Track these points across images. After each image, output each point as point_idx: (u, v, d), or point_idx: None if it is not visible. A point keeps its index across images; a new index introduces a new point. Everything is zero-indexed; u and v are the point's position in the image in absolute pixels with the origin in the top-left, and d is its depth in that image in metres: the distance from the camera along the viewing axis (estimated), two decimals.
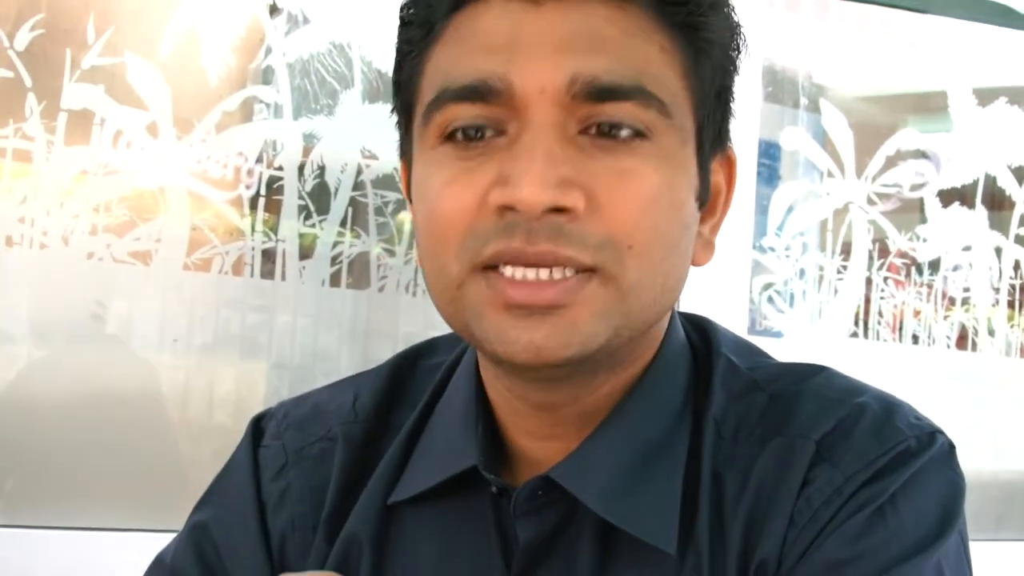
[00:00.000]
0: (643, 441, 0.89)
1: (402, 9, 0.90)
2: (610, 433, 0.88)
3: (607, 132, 0.82)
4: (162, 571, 0.98)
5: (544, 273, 0.81)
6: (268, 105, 1.86)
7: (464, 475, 0.90)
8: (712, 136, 0.89)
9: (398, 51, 0.91)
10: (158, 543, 1.06)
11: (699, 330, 0.96)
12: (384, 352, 1.89)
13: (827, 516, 0.83)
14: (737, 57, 0.91)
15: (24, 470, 1.71)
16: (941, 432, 0.89)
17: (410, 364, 1.02)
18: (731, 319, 1.06)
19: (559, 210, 0.80)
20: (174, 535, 1.06)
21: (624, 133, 0.82)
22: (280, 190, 1.86)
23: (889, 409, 0.89)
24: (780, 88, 2.28)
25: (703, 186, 0.89)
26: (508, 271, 0.81)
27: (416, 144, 0.88)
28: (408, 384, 1.00)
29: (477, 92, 0.82)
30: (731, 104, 0.92)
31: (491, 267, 0.82)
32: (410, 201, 0.91)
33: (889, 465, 0.85)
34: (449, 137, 0.84)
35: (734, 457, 0.88)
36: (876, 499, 0.83)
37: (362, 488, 0.95)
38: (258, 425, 1.02)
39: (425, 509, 0.92)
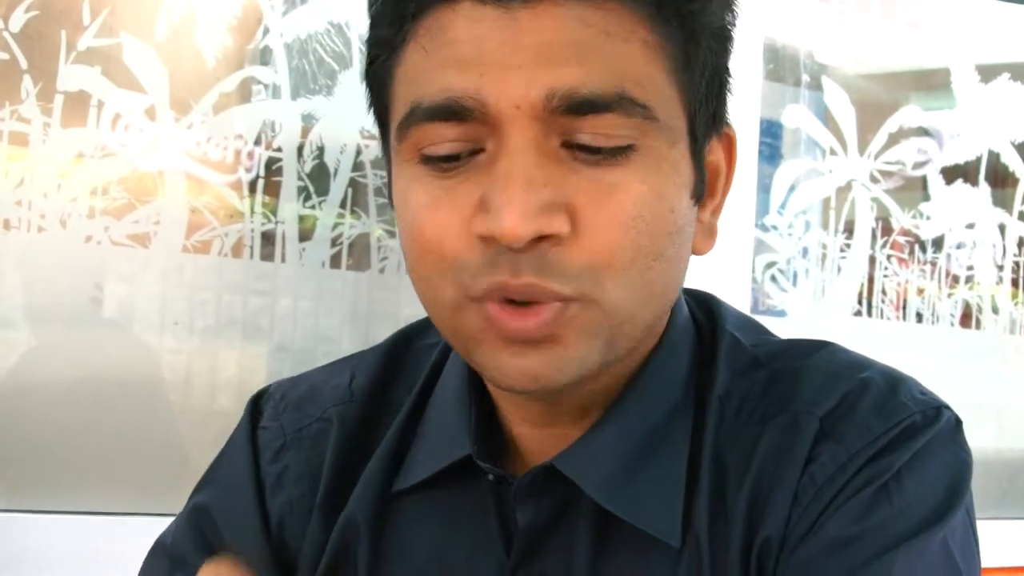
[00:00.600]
0: (646, 427, 0.88)
1: (369, 6, 0.87)
2: (614, 422, 0.87)
3: (590, 147, 0.79)
4: (162, 553, 0.98)
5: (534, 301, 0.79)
6: (266, 86, 1.85)
7: (463, 464, 0.90)
8: (706, 121, 0.86)
9: (368, 52, 0.87)
10: (160, 527, 1.06)
11: (704, 308, 0.95)
12: (386, 334, 1.88)
13: (831, 493, 0.83)
14: (731, 32, 0.87)
15: (26, 455, 1.71)
16: (947, 407, 0.88)
17: (406, 344, 1.01)
18: (734, 298, 1.05)
19: (544, 235, 0.78)
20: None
21: (608, 147, 0.79)
22: (279, 171, 1.85)
23: (894, 384, 0.88)
24: (781, 66, 2.26)
25: (698, 178, 0.86)
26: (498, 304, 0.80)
27: (393, 153, 0.86)
28: (405, 364, 0.99)
29: (450, 111, 0.79)
30: (727, 82, 0.88)
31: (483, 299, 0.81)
32: (392, 204, 0.89)
33: (894, 441, 0.84)
34: (425, 160, 0.81)
35: (737, 436, 0.87)
36: (881, 475, 0.82)
37: (359, 470, 0.94)
38: (256, 405, 1.01)
39: (424, 495, 0.92)
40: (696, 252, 0.88)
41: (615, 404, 0.88)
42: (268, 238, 1.84)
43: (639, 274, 0.80)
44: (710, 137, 0.87)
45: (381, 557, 0.92)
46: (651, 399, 0.88)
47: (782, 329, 0.99)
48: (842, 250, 2.32)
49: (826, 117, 2.31)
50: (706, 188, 0.88)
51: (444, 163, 0.80)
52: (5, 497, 1.68)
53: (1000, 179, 2.49)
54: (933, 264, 2.41)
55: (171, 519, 1.06)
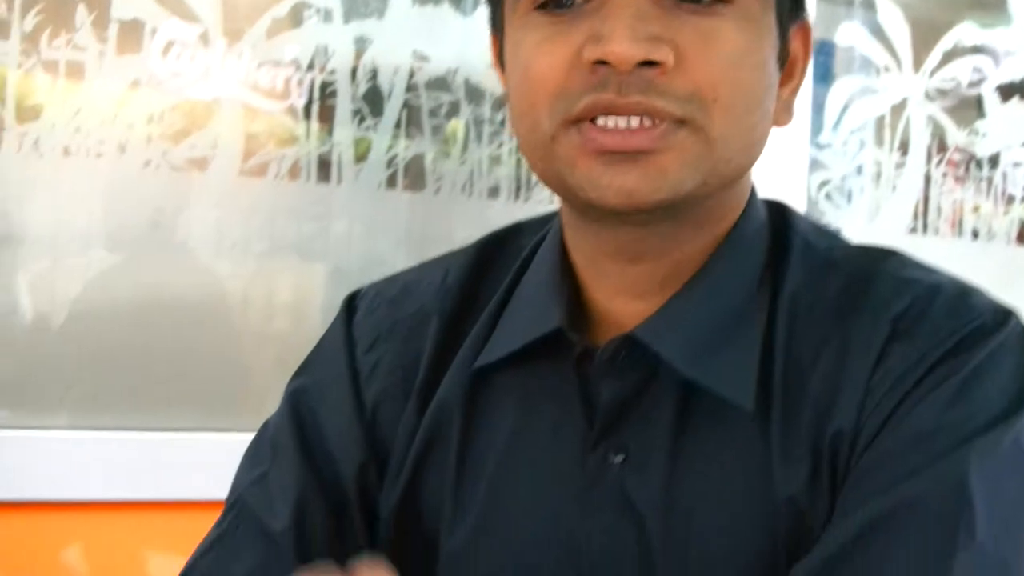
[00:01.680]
0: (723, 306, 0.91)
1: None
2: (692, 295, 0.91)
3: None
4: (263, 439, 1.02)
5: (635, 121, 0.84)
6: (318, 10, 1.85)
7: (548, 339, 0.93)
8: (790, 4, 0.92)
9: None
10: (223, 443, 1.08)
11: (777, 210, 0.98)
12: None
13: (905, 388, 0.85)
14: None
15: (90, 375, 1.74)
16: (1015, 313, 0.90)
17: (497, 244, 1.04)
18: None
19: (649, 64, 0.83)
20: (239, 435, 1.09)
21: None
22: (333, 95, 1.86)
23: (963, 289, 0.90)
24: None
25: (783, 48, 0.91)
26: (600, 120, 0.84)
27: (508, 14, 0.91)
28: (495, 262, 1.02)
29: None
30: None
31: (583, 120, 0.85)
32: (501, 70, 0.95)
33: (965, 340, 0.86)
34: (541, 6, 0.87)
35: (809, 332, 0.89)
36: (957, 372, 0.84)
37: (452, 360, 0.98)
38: (351, 303, 1.05)
39: (511, 373, 0.95)
40: (776, 124, 0.93)
41: (694, 278, 0.91)
42: (323, 161, 1.85)
43: (742, 115, 0.86)
44: (792, 20, 0.93)
45: (471, 433, 0.95)
46: (728, 279, 0.92)
47: None
48: (897, 168, 2.31)
49: (880, 35, 2.29)
50: (786, 67, 0.93)
51: (557, 8, 0.87)
52: (71, 415, 1.72)
53: None
54: (989, 182, 2.39)
55: (234, 435, 1.08)
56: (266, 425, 1.03)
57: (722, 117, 0.85)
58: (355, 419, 0.98)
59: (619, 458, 0.90)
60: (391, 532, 0.97)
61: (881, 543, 0.81)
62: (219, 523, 0.98)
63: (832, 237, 0.98)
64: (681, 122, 0.84)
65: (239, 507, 0.98)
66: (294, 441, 0.98)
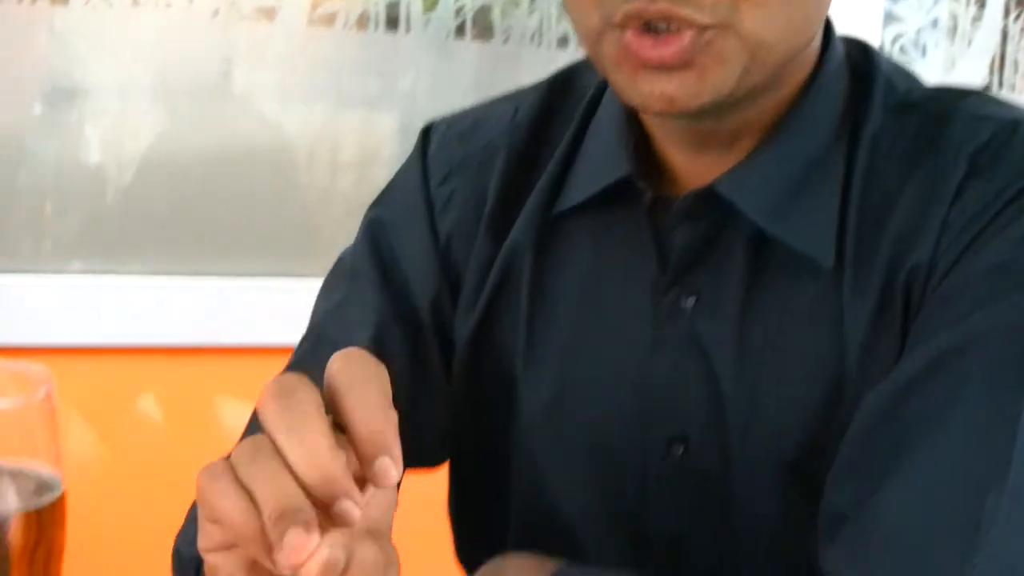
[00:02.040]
0: (803, 157, 0.90)
1: None
2: (772, 149, 0.90)
3: None
4: (342, 267, 1.04)
5: (672, 25, 0.81)
6: None
7: (620, 187, 0.93)
8: None
9: None
10: (293, 289, 1.09)
11: (859, 50, 0.96)
12: None
13: (983, 223, 0.84)
14: None
15: (161, 224, 1.77)
16: None
17: (565, 82, 1.04)
18: None
19: None
20: (309, 280, 1.10)
21: None
22: None
23: None
24: None
25: None
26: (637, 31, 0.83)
27: None
28: (564, 101, 1.02)
29: None
30: None
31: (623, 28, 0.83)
32: None
33: None
34: None
35: (887, 173, 0.89)
36: None
37: (523, 196, 0.99)
38: (426, 136, 1.06)
39: (583, 219, 0.96)
40: None
41: (773, 132, 0.90)
42: (392, 10, 1.84)
43: (777, 7, 0.82)
44: None
45: (542, 275, 0.97)
46: (807, 130, 0.90)
47: None
48: (973, 22, 2.26)
49: None
50: None
51: None
52: (145, 263, 1.75)
53: None
54: None
55: (304, 280, 1.09)
56: (343, 256, 1.05)
57: (753, 14, 0.81)
58: (431, 249, 1.00)
59: (691, 301, 0.91)
60: (467, 360, 0.99)
61: (950, 375, 0.81)
62: (298, 348, 1.01)
63: (911, 79, 0.96)
64: (711, 26, 0.81)
65: (317, 333, 1.01)
66: (373, 269, 1.01)
